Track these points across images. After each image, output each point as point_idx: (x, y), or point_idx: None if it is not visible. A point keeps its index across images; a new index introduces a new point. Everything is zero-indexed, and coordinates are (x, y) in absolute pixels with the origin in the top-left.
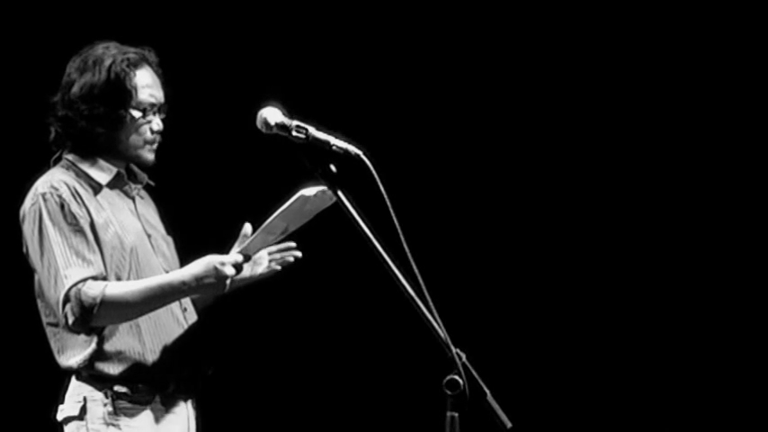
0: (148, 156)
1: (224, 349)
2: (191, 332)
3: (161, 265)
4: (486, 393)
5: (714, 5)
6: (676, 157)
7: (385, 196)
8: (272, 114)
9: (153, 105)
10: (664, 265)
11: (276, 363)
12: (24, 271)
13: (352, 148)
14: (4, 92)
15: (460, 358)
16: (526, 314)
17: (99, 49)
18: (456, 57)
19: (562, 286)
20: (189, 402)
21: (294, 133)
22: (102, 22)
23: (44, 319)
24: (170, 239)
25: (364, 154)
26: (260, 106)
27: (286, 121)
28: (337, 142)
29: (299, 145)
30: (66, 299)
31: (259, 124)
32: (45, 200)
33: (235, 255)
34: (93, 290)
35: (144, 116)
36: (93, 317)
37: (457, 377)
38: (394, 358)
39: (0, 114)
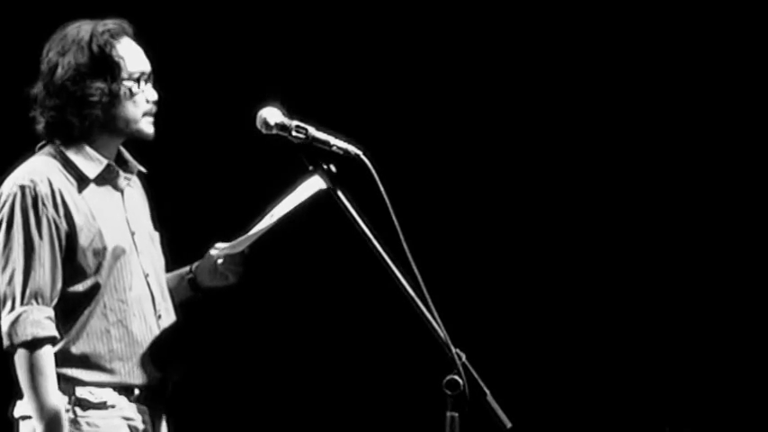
0: (148, 129)
1: (200, 353)
2: (161, 337)
3: (142, 264)
4: (485, 393)
5: (714, 5)
6: (676, 158)
7: (385, 196)
8: (271, 114)
9: (143, 74)
10: (663, 265)
11: (275, 363)
12: None
13: (352, 148)
14: None
15: (460, 358)
16: (526, 314)
17: (73, 28)
18: (456, 57)
19: (562, 286)
20: (157, 409)
21: (294, 133)
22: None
23: None
24: (156, 235)
25: (364, 154)
26: (260, 106)
27: (286, 121)
28: (337, 142)
29: (299, 145)
30: (16, 320)
31: (259, 124)
32: (23, 194)
33: None
34: (44, 330)
35: (138, 86)
36: (22, 344)
37: (457, 377)
38: (394, 358)
39: None
